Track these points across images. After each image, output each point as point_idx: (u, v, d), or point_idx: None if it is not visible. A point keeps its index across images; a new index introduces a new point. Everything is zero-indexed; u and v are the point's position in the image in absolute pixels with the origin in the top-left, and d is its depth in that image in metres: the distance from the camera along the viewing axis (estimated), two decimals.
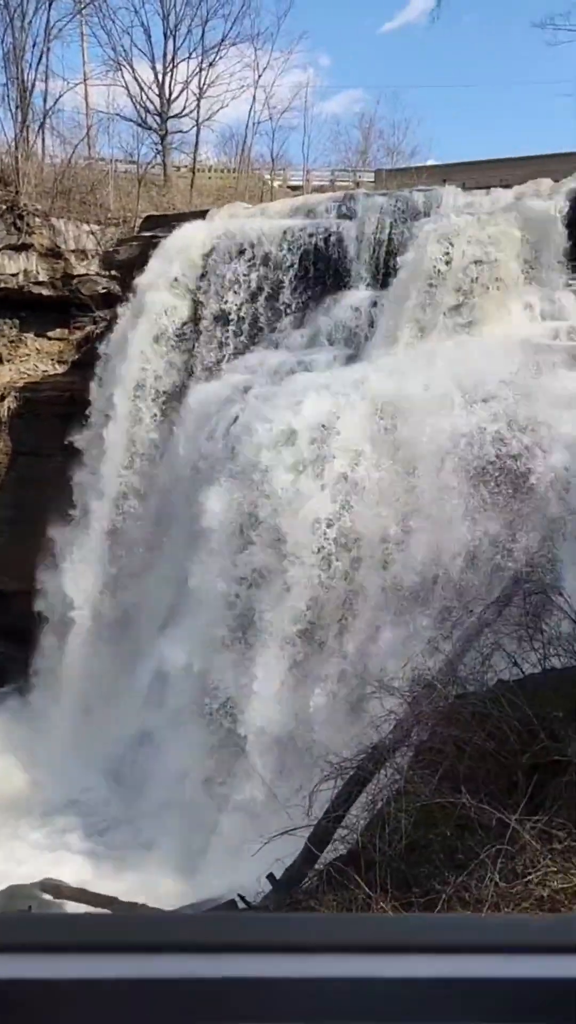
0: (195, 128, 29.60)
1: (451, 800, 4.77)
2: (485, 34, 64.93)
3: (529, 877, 3.19)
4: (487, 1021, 0.84)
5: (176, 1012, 0.83)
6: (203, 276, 16.76)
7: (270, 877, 7.96)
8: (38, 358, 20.97)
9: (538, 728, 5.66)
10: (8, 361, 20.63)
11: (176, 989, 0.84)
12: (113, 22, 29.73)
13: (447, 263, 13.83)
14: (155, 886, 10.87)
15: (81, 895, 10.83)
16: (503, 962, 0.86)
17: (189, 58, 29.70)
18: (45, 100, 27.54)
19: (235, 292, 16.31)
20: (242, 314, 16.20)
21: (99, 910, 10.50)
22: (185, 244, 17.20)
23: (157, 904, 10.40)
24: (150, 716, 13.42)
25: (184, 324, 16.74)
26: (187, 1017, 0.83)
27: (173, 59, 29.49)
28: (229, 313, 16.29)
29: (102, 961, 0.85)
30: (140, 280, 17.35)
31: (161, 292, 16.85)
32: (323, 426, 12.12)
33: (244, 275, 16.29)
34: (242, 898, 8.44)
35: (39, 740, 15.27)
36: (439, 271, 13.86)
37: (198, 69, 29.52)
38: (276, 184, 28.40)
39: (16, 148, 23.76)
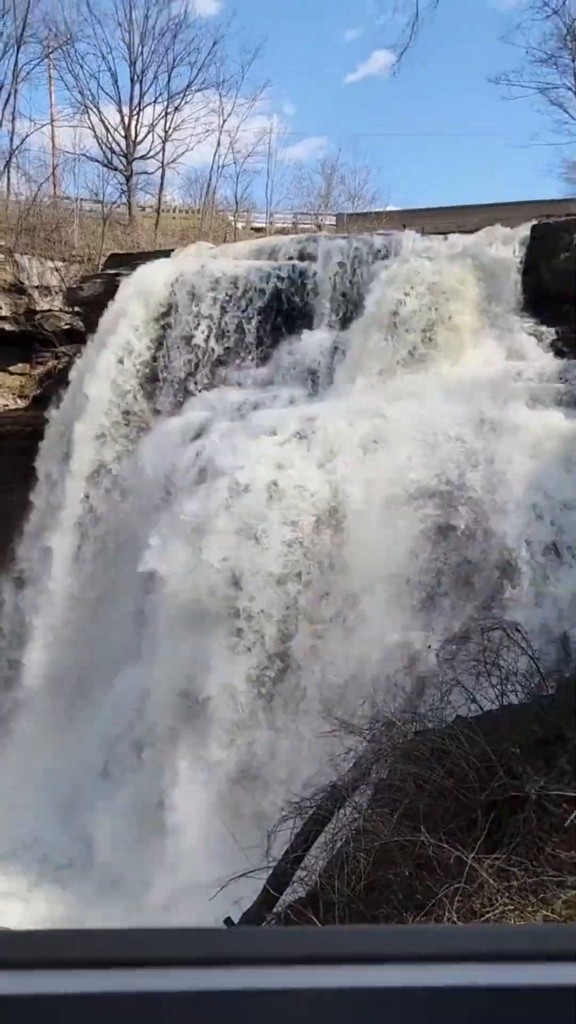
0: (160, 170, 30.04)
1: (410, 839, 4.72)
2: (445, 86, 66.82)
3: (487, 915, 3.15)
4: None
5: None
6: (166, 314, 16.83)
7: (227, 921, 7.78)
8: (2, 392, 20.79)
9: (496, 765, 5.64)
10: None
11: (164, 1003, 0.83)
12: (81, 67, 30.02)
13: (405, 306, 14.07)
14: (109, 924, 10.55)
15: None
16: (495, 971, 0.86)
17: (155, 102, 30.16)
18: (12, 139, 27.79)
19: (198, 330, 16.39)
20: (205, 351, 16.27)
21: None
22: (149, 282, 17.26)
23: None
24: (107, 753, 13.18)
25: (147, 360, 16.77)
26: None
27: (139, 103, 29.92)
28: (192, 350, 16.36)
29: (92, 976, 0.84)
30: (104, 316, 17.40)
31: (124, 328, 16.89)
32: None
33: (207, 313, 16.39)
34: None
35: None
36: (398, 313, 14.08)
37: (164, 113, 30.01)
38: (240, 226, 28.75)
39: None
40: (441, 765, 5.93)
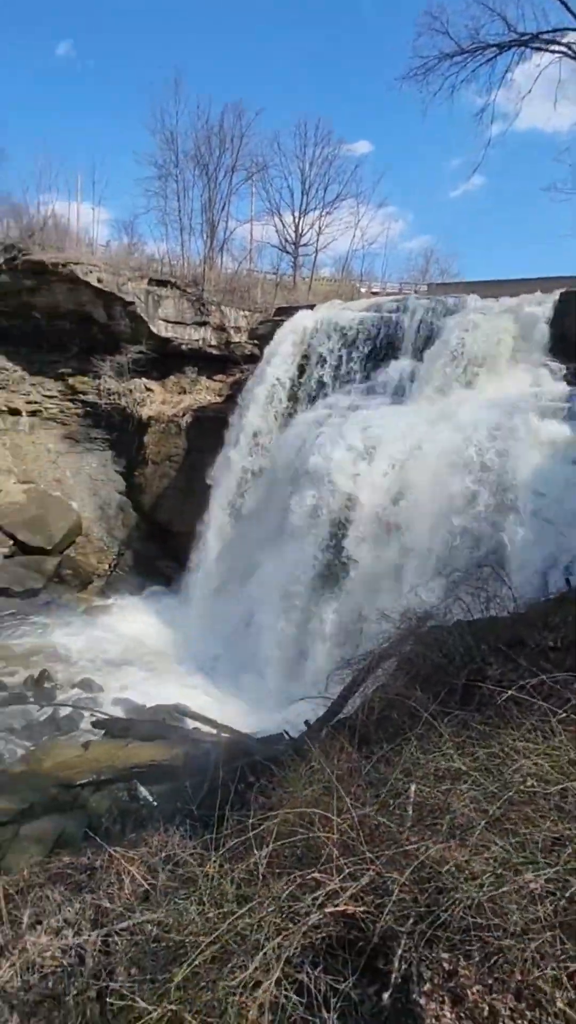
0: (315, 253, 29.28)
1: (405, 694, 4.53)
2: (510, 198, 60.25)
3: (433, 755, 2.97)
4: None
5: None
6: (308, 344, 16.46)
7: (306, 723, 7.89)
8: (207, 392, 21.19)
9: (475, 653, 5.33)
10: (189, 393, 21.03)
11: None
12: (271, 185, 29.61)
13: (463, 344, 13.05)
14: (242, 716, 10.94)
15: (197, 716, 11.06)
16: None
17: (315, 209, 29.41)
18: (225, 232, 27.67)
19: (326, 355, 15.94)
20: (329, 370, 15.84)
21: (208, 728, 10.67)
22: (300, 325, 16.88)
23: (241, 727, 10.48)
24: (253, 608, 13.47)
25: (294, 374, 16.53)
26: None
27: (304, 209, 29.25)
28: (321, 369, 15.96)
29: None
30: (269, 345, 17.23)
31: (282, 353, 16.66)
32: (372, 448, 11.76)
33: (332, 345, 15.88)
34: (287, 732, 8.39)
35: (186, 618, 15.65)
36: (456, 349, 13.09)
37: (320, 216, 29.13)
38: (363, 290, 27.56)
39: (204, 262, 24.02)
40: (441, 650, 5.66)
